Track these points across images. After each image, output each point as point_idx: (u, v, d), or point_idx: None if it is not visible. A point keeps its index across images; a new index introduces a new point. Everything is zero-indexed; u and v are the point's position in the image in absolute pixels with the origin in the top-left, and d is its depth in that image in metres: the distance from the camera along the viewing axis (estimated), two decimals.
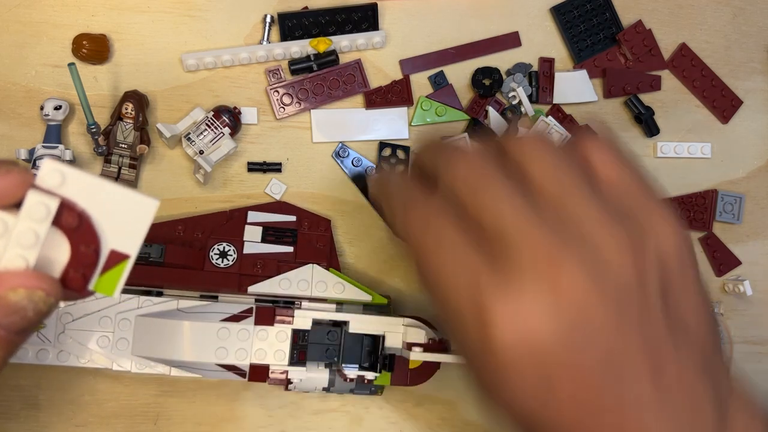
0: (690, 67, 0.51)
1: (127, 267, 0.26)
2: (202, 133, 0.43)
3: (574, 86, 0.49)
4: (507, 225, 0.26)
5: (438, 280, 0.27)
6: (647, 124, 0.49)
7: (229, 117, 0.43)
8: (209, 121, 0.43)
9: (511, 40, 0.48)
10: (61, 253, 0.26)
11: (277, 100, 0.46)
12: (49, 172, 0.25)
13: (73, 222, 0.25)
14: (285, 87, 0.46)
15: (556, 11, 0.49)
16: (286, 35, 0.46)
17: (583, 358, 0.24)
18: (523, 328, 0.24)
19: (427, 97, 0.47)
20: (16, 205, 0.25)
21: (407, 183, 0.32)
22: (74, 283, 0.26)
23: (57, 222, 0.25)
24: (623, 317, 0.25)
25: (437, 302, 0.28)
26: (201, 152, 0.42)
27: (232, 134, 0.43)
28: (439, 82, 0.47)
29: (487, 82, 0.47)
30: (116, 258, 0.26)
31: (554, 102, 0.48)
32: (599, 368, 0.25)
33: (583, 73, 0.49)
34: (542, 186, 0.27)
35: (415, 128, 0.47)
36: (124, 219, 0.26)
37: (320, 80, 0.46)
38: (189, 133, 0.43)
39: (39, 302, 0.24)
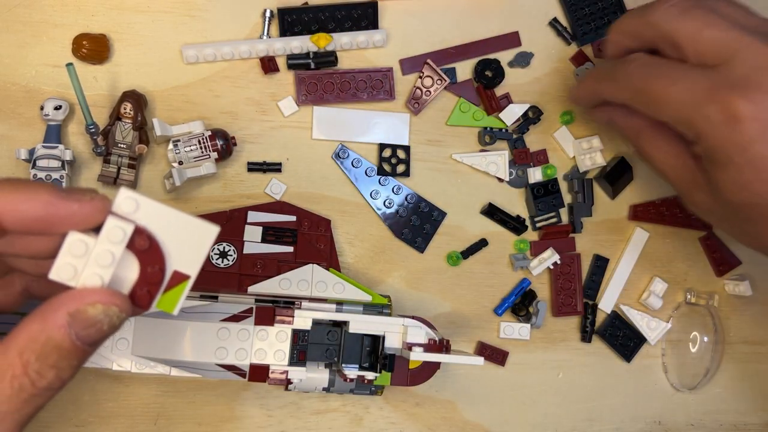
0: None
1: (188, 286, 0.29)
2: (190, 146, 0.42)
3: None
4: (734, 41, 0.34)
5: (673, 103, 0.35)
6: None
7: (223, 144, 0.43)
8: (203, 138, 0.43)
9: (512, 40, 0.48)
10: (130, 272, 0.28)
11: (304, 87, 0.46)
12: (125, 199, 0.27)
13: (144, 245, 0.28)
14: (312, 76, 0.46)
15: None
16: (285, 30, 0.45)
17: None
18: (765, 113, 0.32)
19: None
20: (94, 229, 0.27)
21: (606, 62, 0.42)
22: (141, 300, 0.28)
23: (129, 244, 0.27)
24: None
25: (677, 122, 0.36)
26: (180, 163, 0.42)
27: (218, 160, 0.43)
28: (450, 77, 0.47)
29: (490, 74, 0.48)
30: (179, 278, 0.29)
31: None
32: None
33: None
34: (740, 20, 0.36)
35: (448, 126, 0.47)
36: (186, 242, 0.28)
37: (348, 78, 0.46)
38: (178, 140, 0.43)
39: (113, 317, 0.27)
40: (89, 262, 0.27)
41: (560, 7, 0.49)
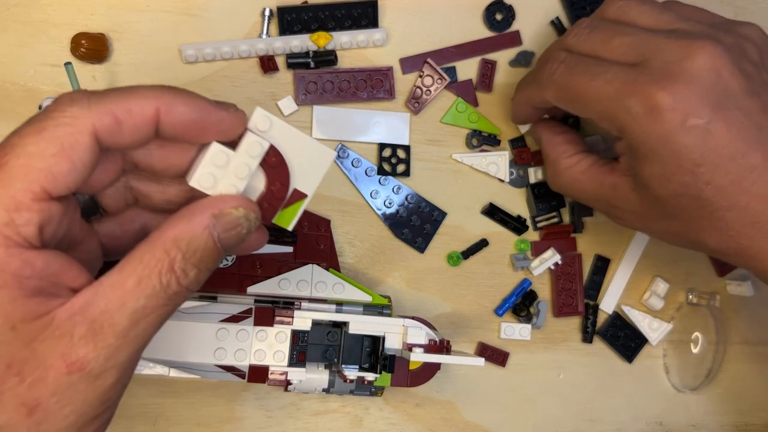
0: None
1: (304, 204, 0.31)
2: None
3: None
4: (643, 43, 0.36)
5: (594, 96, 0.36)
6: None
7: None
8: None
9: (512, 39, 0.48)
10: (258, 185, 0.30)
11: (303, 86, 0.45)
12: (260, 117, 0.29)
13: (274, 161, 0.30)
14: (312, 75, 0.46)
15: None
16: (284, 29, 0.45)
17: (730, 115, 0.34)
18: (683, 103, 0.33)
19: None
20: (228, 144, 0.29)
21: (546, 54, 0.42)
22: (265, 212, 0.30)
23: (262, 161, 0.29)
24: (751, 84, 0.35)
25: (600, 118, 0.37)
26: None
27: None
28: (450, 76, 0.47)
29: (499, 17, 0.48)
30: (297, 196, 0.31)
31: None
32: (746, 122, 0.34)
33: None
34: (648, 23, 0.38)
35: (445, 124, 0.47)
36: (308, 164, 0.30)
37: (348, 77, 0.46)
38: None
39: (251, 221, 0.28)
40: (227, 173, 0.28)
41: (561, 7, 0.49)
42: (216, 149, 0.28)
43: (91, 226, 0.31)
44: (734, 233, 0.36)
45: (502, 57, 0.48)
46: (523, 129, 0.47)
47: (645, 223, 0.40)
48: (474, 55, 0.48)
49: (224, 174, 0.29)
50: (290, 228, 0.31)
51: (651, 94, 0.34)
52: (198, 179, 0.28)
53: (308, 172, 0.31)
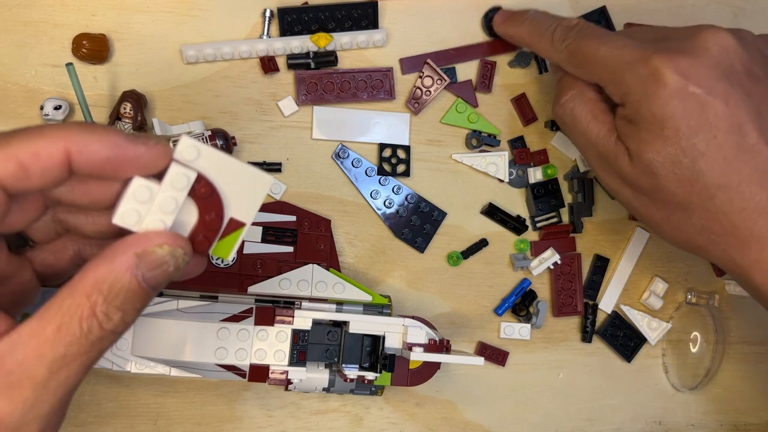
0: None
1: (243, 234, 0.30)
2: None
3: None
4: (658, 29, 0.40)
5: (602, 59, 0.38)
6: None
7: (223, 144, 0.43)
8: (203, 138, 0.42)
9: (512, 44, 0.48)
10: (189, 218, 0.28)
11: (304, 87, 0.46)
12: (187, 147, 0.28)
13: (204, 192, 0.28)
14: (312, 75, 0.46)
15: None
16: (285, 30, 0.45)
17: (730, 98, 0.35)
18: (687, 71, 0.35)
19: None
20: (155, 176, 0.27)
21: (544, 14, 0.44)
22: (200, 245, 0.29)
23: (191, 191, 0.28)
24: (756, 70, 0.36)
25: (606, 81, 0.38)
26: None
27: None
28: (450, 77, 0.47)
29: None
30: (234, 225, 0.29)
31: None
32: (746, 106, 0.35)
33: None
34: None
35: (445, 125, 0.47)
36: (243, 191, 0.29)
37: (348, 78, 0.46)
38: (178, 140, 0.42)
39: (179, 258, 0.27)
40: (153, 208, 0.27)
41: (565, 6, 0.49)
42: (138, 184, 0.27)
43: (23, 258, 0.30)
44: (722, 217, 0.35)
45: (502, 58, 0.48)
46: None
47: (633, 199, 0.39)
48: (473, 58, 0.48)
49: (149, 209, 0.27)
50: (229, 258, 0.30)
51: (657, 61, 0.35)
52: (121, 216, 0.27)
53: (244, 200, 0.29)
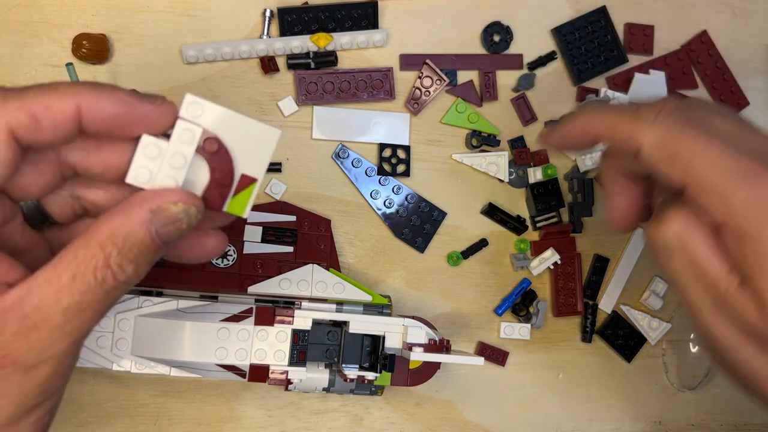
0: (706, 56, 0.51)
1: (255, 189, 0.29)
2: None
3: (650, 88, 0.49)
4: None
5: (708, 165, 0.28)
6: None
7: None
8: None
9: (514, 61, 0.48)
10: (201, 176, 0.28)
11: (304, 87, 0.46)
12: (191, 104, 0.28)
13: (212, 148, 0.28)
14: (312, 75, 0.46)
15: (557, 32, 0.49)
16: (285, 30, 0.45)
17: None
18: None
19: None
20: (164, 135, 0.28)
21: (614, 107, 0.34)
22: (213, 203, 0.29)
23: (199, 148, 0.28)
24: None
25: (701, 187, 0.29)
26: None
27: None
28: (450, 78, 0.47)
29: (497, 38, 0.48)
30: (246, 181, 0.29)
31: (629, 101, 0.48)
32: None
33: (660, 76, 0.49)
34: None
35: (444, 125, 0.47)
36: (251, 146, 0.29)
37: (348, 78, 0.46)
38: None
39: (192, 216, 0.27)
40: (163, 165, 0.27)
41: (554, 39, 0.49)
42: (147, 142, 0.27)
43: (41, 235, 0.31)
44: None
45: (505, 75, 0.48)
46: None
47: (754, 355, 0.30)
48: (473, 68, 0.48)
49: (160, 166, 0.28)
50: (245, 215, 0.30)
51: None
52: (133, 175, 0.27)
53: (254, 155, 0.29)
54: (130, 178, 0.27)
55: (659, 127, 0.30)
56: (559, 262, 0.48)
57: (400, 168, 0.47)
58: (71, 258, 0.26)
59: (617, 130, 0.32)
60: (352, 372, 0.41)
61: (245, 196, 0.29)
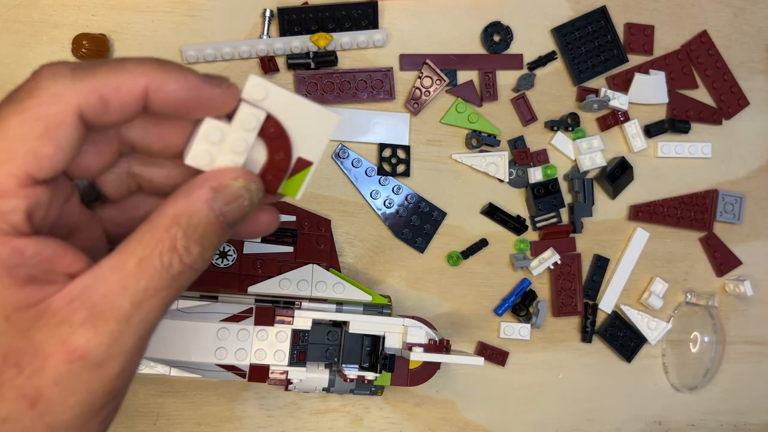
0: (706, 56, 0.51)
1: (310, 172, 0.30)
2: None
3: (650, 88, 0.50)
4: None
5: None
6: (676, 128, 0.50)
7: None
8: None
9: (514, 61, 0.48)
10: (259, 158, 0.29)
11: (304, 87, 0.46)
12: (255, 86, 0.28)
13: (273, 132, 0.28)
14: (312, 75, 0.46)
15: (557, 32, 0.49)
16: (285, 30, 0.45)
17: None
18: None
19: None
20: (225, 116, 0.28)
21: None
22: (269, 185, 0.29)
23: (260, 131, 0.28)
24: None
25: None
26: None
27: None
28: (450, 78, 0.47)
29: (497, 38, 0.48)
30: (302, 164, 0.29)
31: (629, 101, 0.49)
32: None
33: (660, 76, 0.49)
34: None
35: (444, 125, 0.47)
36: (309, 130, 0.29)
37: (348, 78, 0.46)
38: None
39: (253, 193, 0.27)
40: (224, 149, 0.28)
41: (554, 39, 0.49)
42: (210, 125, 0.27)
43: (94, 213, 0.30)
44: None
45: (505, 76, 0.48)
46: None
47: None
48: (473, 68, 0.48)
49: (221, 150, 0.28)
50: (298, 197, 0.30)
51: None
52: (194, 157, 0.27)
53: (311, 138, 0.29)
54: (190, 160, 0.27)
55: None
56: (559, 262, 0.48)
57: (400, 168, 0.47)
58: (136, 243, 0.25)
59: None
60: (352, 372, 0.41)
61: (300, 178, 0.30)
